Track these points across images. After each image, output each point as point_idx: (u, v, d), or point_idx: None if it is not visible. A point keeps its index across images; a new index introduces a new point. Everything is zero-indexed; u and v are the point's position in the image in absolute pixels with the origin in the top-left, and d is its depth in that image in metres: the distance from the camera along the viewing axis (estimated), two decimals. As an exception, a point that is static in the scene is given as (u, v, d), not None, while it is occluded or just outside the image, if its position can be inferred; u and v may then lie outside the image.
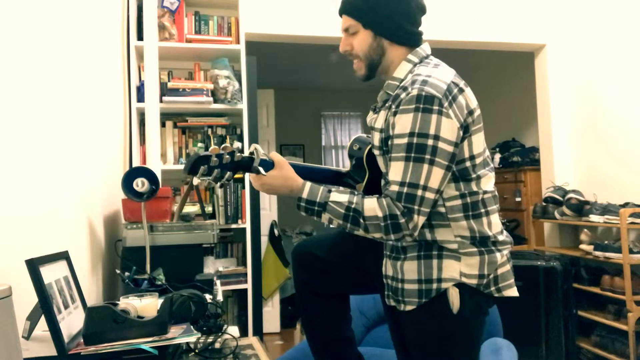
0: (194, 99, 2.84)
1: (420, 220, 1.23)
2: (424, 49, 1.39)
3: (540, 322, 3.02)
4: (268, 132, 4.91)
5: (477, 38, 3.55)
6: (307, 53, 5.43)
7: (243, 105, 2.94)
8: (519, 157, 4.40)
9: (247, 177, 2.87)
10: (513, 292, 1.33)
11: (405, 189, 1.22)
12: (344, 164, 7.50)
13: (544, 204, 3.53)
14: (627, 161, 3.22)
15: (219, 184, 1.30)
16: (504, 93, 5.09)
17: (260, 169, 1.30)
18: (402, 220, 1.21)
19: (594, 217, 3.07)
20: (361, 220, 1.25)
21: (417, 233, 1.25)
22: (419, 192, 1.21)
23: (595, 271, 3.17)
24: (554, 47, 3.70)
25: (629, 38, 3.20)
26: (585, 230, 3.32)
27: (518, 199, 4.30)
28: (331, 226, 1.35)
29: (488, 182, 1.32)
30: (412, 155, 1.21)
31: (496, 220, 1.33)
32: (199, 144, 3.00)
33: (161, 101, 2.78)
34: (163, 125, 2.95)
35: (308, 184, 1.31)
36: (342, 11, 1.41)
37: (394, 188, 1.23)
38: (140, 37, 2.80)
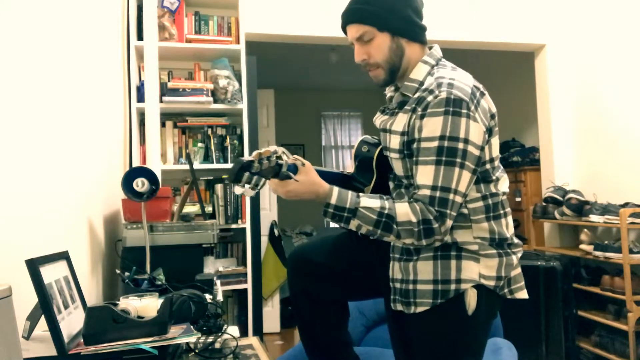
0: (194, 99, 2.84)
1: (450, 224, 1.22)
2: (437, 51, 1.38)
3: (540, 322, 3.02)
4: (268, 132, 4.91)
5: (477, 38, 3.55)
6: (307, 53, 5.43)
7: (243, 105, 2.94)
8: (519, 157, 4.40)
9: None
10: (524, 294, 1.34)
11: (438, 193, 1.20)
12: (345, 164, 7.50)
13: (544, 204, 3.53)
14: (627, 161, 3.22)
15: (254, 192, 1.20)
16: (504, 93, 5.09)
17: (291, 174, 1.23)
18: (436, 225, 1.20)
19: (594, 217, 3.07)
20: (394, 226, 1.21)
21: (447, 237, 1.25)
22: (451, 196, 1.20)
23: (595, 271, 3.17)
24: (554, 47, 3.70)
25: (629, 38, 3.20)
26: (585, 230, 3.32)
27: (518, 199, 4.30)
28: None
29: (504, 184, 1.34)
30: (444, 158, 1.20)
31: (511, 222, 1.34)
32: (199, 144, 3.00)
33: (161, 101, 2.79)
34: (163, 125, 2.95)
35: (335, 188, 1.25)
36: (351, 20, 1.33)
37: (425, 192, 1.21)
38: (140, 37, 2.80)
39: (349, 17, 1.34)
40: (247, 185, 1.18)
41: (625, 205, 3.04)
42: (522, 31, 3.64)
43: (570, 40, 3.68)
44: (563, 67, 3.70)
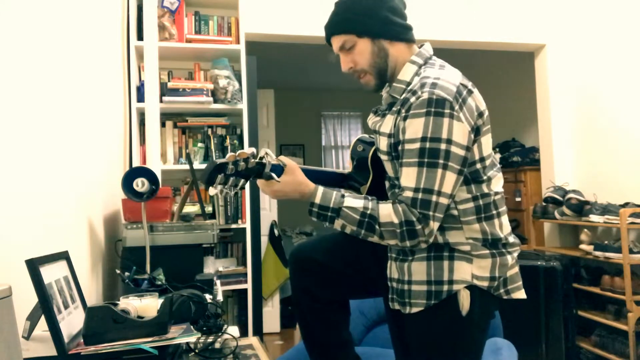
0: (194, 99, 2.84)
1: (436, 225, 1.22)
2: (427, 49, 1.37)
3: (540, 322, 3.02)
4: (268, 132, 4.91)
5: (477, 38, 3.55)
6: (307, 53, 5.42)
7: (243, 105, 2.94)
8: (519, 157, 4.41)
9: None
10: (521, 294, 1.33)
11: (420, 195, 1.20)
12: (344, 164, 7.50)
13: (544, 204, 3.53)
14: (627, 161, 3.22)
15: (233, 192, 1.23)
16: (504, 93, 5.09)
17: (273, 174, 1.25)
18: (419, 227, 1.20)
19: (594, 217, 3.07)
20: (376, 227, 1.22)
21: (432, 239, 1.24)
22: (434, 198, 1.20)
23: (595, 271, 3.17)
24: (554, 47, 3.70)
25: (629, 38, 3.20)
26: (585, 230, 3.32)
27: (518, 199, 4.30)
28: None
29: (497, 183, 1.32)
30: (426, 160, 1.19)
31: (506, 222, 1.33)
32: (199, 144, 3.00)
33: (161, 101, 2.78)
34: (163, 125, 2.95)
35: (320, 188, 1.27)
36: (331, 32, 1.36)
37: (408, 194, 1.21)
38: (140, 37, 2.80)
39: (329, 30, 1.37)
40: (223, 186, 1.21)
41: (625, 205, 3.04)
42: (522, 31, 3.64)
43: (570, 40, 3.68)
44: (563, 67, 3.70)
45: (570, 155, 3.68)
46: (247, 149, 1.23)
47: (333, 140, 7.58)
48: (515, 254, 1.32)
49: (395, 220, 1.20)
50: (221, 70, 2.93)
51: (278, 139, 5.74)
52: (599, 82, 3.45)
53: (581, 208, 3.21)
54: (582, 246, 3.25)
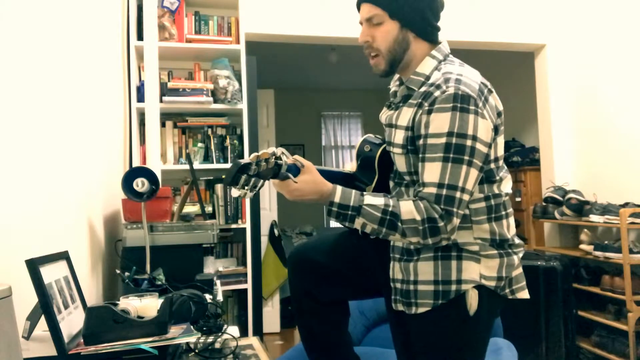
0: (194, 99, 2.84)
1: (457, 222, 1.20)
2: (445, 46, 1.36)
3: (540, 322, 3.02)
4: (268, 132, 4.91)
5: (477, 38, 3.55)
6: (307, 53, 5.43)
7: (243, 105, 2.94)
8: (519, 157, 4.40)
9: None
10: (525, 294, 1.34)
11: (444, 191, 1.18)
12: (345, 164, 7.50)
13: (544, 204, 3.53)
14: (627, 161, 3.22)
15: (252, 194, 1.20)
16: (504, 93, 5.08)
17: (289, 175, 1.23)
18: (441, 224, 1.18)
19: (594, 217, 3.07)
20: (399, 224, 1.20)
21: (454, 235, 1.23)
22: (458, 194, 1.18)
23: (595, 271, 3.17)
24: (554, 47, 3.70)
25: (629, 38, 3.20)
26: (585, 230, 3.32)
27: (518, 199, 4.30)
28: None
29: (507, 185, 1.32)
30: (451, 155, 1.18)
31: (513, 223, 1.33)
32: (199, 144, 3.00)
33: (161, 101, 2.79)
34: (163, 125, 2.95)
35: (339, 187, 1.24)
36: None
37: (431, 190, 1.19)
38: (140, 37, 2.80)
39: None
40: (245, 187, 1.17)
41: (625, 205, 3.04)
42: (522, 31, 3.64)
43: (570, 40, 3.68)
44: (563, 67, 3.70)
45: (570, 155, 3.68)
46: (268, 149, 1.20)
47: (333, 140, 7.57)
48: (520, 254, 1.33)
49: (418, 218, 1.19)
50: (221, 70, 2.93)
51: (278, 139, 5.73)
52: (598, 82, 3.45)
53: (581, 208, 3.21)
54: (582, 246, 3.25)
